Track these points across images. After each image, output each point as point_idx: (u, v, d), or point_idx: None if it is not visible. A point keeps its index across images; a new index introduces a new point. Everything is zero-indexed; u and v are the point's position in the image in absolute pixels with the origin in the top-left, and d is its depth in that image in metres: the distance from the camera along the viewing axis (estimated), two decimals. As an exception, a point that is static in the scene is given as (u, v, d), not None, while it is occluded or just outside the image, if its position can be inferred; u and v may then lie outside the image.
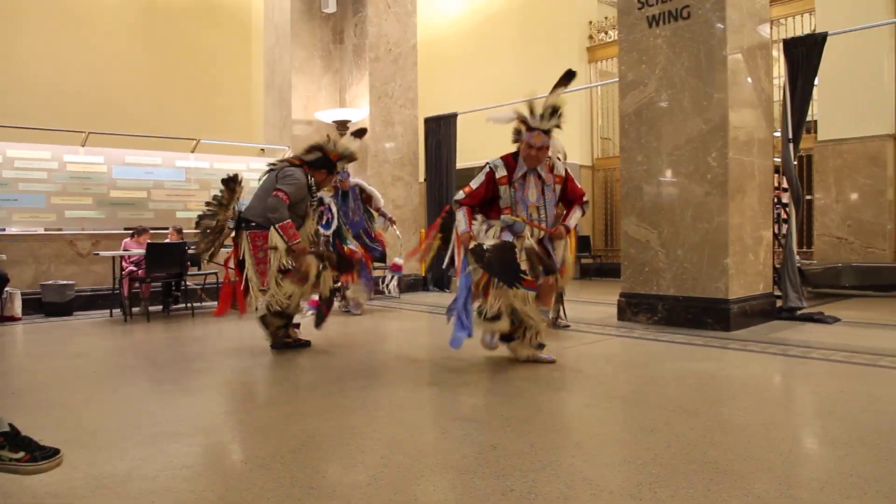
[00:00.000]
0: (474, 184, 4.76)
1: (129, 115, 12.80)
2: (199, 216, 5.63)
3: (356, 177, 8.29)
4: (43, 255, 8.60)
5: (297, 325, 5.77)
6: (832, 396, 3.81)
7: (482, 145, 13.04)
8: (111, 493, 2.51)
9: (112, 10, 13.37)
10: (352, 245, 7.62)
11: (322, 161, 5.51)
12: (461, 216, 4.77)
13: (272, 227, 5.25)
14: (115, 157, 9.42)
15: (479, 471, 2.66)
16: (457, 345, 4.66)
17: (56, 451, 2.43)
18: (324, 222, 7.34)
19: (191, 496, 2.48)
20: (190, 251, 8.43)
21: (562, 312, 6.50)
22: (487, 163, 4.83)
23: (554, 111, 4.63)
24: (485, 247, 4.56)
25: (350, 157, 5.74)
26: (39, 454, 2.38)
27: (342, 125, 10.36)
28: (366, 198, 8.00)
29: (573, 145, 12.42)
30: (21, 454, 2.36)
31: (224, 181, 5.57)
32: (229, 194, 5.53)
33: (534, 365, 4.80)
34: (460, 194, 4.80)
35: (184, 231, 8.92)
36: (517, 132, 4.85)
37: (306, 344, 5.69)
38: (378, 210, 8.09)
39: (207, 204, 5.62)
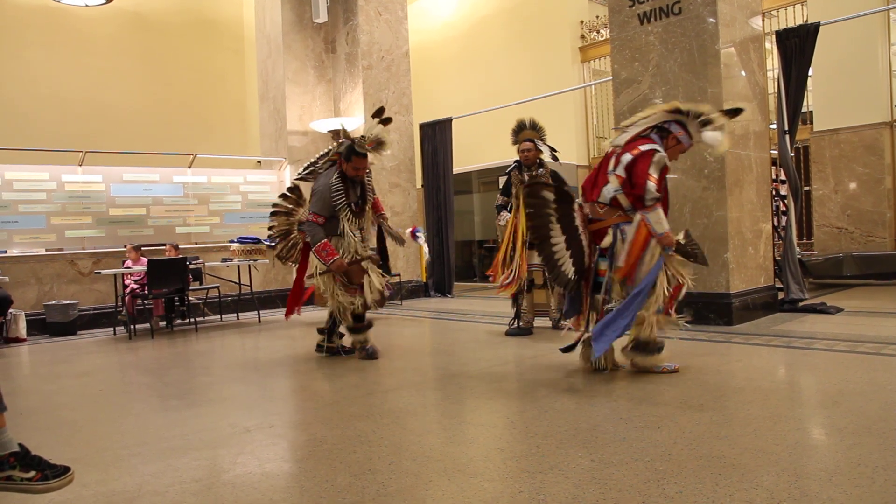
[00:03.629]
0: (655, 173, 4.13)
1: (125, 133, 12.86)
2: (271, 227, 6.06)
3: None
4: (45, 276, 8.62)
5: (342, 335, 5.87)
6: (837, 387, 3.81)
7: (478, 149, 13.11)
8: (121, 510, 2.51)
9: (105, 29, 13.41)
10: None
11: (348, 148, 5.30)
12: (661, 215, 4.15)
13: (311, 251, 5.40)
14: (113, 175, 9.44)
15: (487, 474, 2.66)
16: (600, 352, 4.16)
17: (67, 469, 2.43)
18: None
19: (201, 510, 2.48)
20: (192, 266, 8.46)
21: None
22: (653, 148, 4.18)
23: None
24: (683, 242, 4.29)
25: (377, 141, 5.29)
26: (50, 472, 2.39)
27: (337, 134, 10.37)
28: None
29: (569, 145, 12.45)
30: (32, 473, 2.37)
31: (288, 191, 5.97)
32: (296, 198, 5.91)
33: (536, 366, 4.81)
34: (653, 189, 4.08)
35: (181, 247, 8.94)
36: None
37: (350, 351, 5.78)
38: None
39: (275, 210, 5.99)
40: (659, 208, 4.14)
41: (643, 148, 4.20)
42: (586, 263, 4.32)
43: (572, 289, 4.37)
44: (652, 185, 4.07)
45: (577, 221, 4.31)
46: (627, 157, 4.21)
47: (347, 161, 5.28)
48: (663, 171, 4.21)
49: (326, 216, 5.29)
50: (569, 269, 4.26)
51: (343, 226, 5.32)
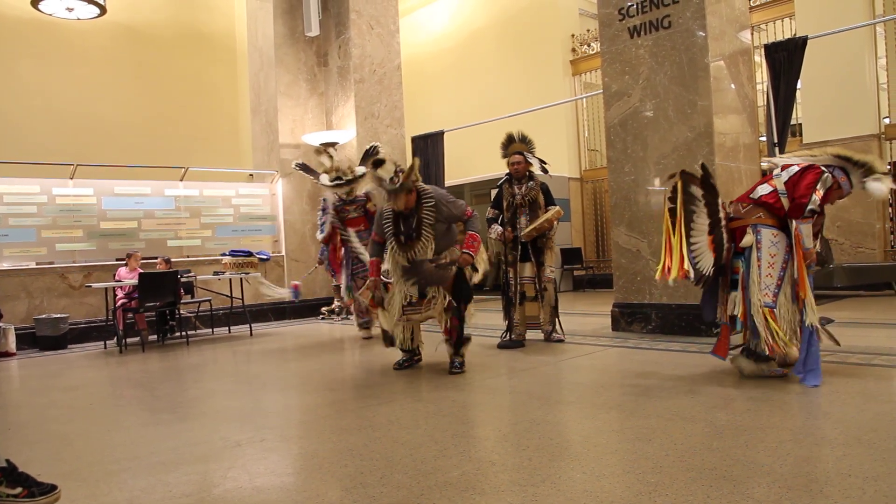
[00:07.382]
0: (822, 189, 4.20)
1: (117, 145, 12.81)
2: None
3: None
4: (35, 290, 8.58)
5: None
6: (828, 397, 3.83)
7: (470, 162, 13.14)
8: (111, 526, 2.49)
9: (97, 42, 13.39)
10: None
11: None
12: (811, 230, 4.25)
13: None
14: (105, 188, 9.42)
15: (479, 487, 2.66)
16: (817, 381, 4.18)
17: (53, 487, 2.42)
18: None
19: (191, 525, 2.47)
20: (183, 279, 8.43)
21: (557, 326, 6.50)
22: (827, 171, 4.26)
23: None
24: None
25: (399, 174, 5.19)
26: (37, 490, 2.38)
27: (330, 147, 10.39)
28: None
29: (561, 158, 12.50)
30: (19, 489, 2.35)
31: None
32: None
33: (529, 379, 4.81)
34: (818, 202, 4.19)
35: (172, 260, 8.91)
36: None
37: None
38: None
39: None
40: (811, 222, 4.25)
41: (812, 162, 4.34)
42: (724, 259, 4.39)
43: (707, 284, 4.45)
44: (817, 198, 4.19)
45: (721, 214, 4.40)
46: (794, 169, 4.33)
47: (388, 193, 5.21)
48: (828, 192, 4.28)
49: (383, 237, 5.39)
50: (705, 264, 4.32)
51: (389, 252, 5.41)
